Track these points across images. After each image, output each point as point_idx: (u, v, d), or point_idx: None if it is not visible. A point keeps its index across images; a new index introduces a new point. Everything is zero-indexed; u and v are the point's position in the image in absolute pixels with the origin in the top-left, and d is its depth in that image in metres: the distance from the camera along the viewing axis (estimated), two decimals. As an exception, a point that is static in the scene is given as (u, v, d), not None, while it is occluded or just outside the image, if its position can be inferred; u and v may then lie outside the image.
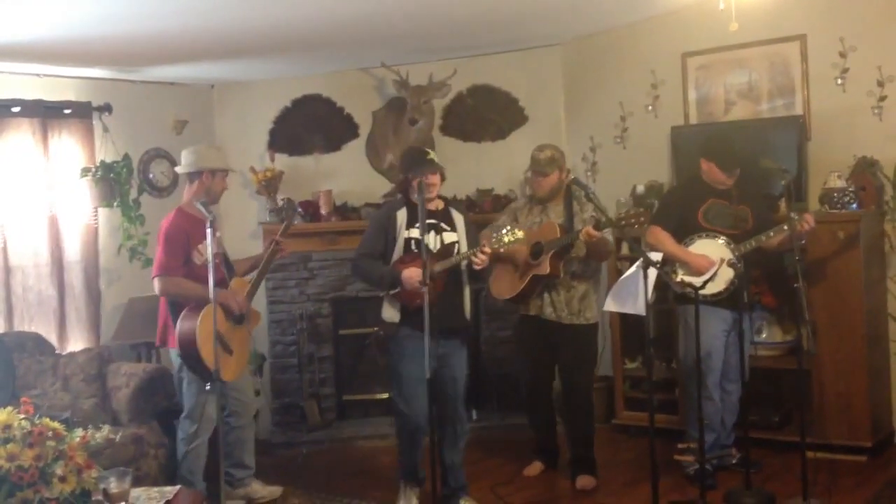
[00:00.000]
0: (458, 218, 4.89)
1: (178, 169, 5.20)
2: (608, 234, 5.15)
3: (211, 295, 4.24)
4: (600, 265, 5.41)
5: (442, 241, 4.79)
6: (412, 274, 4.54)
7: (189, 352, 4.73)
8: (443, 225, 4.82)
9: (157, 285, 4.89)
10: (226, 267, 5.12)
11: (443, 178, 4.84)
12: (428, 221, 4.68)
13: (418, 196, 4.47)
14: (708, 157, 5.14)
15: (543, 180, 5.23)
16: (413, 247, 4.71)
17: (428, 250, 4.60)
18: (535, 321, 5.28)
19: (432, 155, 4.82)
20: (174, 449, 5.20)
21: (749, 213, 5.15)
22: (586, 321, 5.25)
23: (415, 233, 4.69)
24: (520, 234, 4.57)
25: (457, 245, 4.79)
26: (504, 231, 4.56)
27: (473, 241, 4.80)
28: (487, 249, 4.57)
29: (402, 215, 4.80)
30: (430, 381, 4.25)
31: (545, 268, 5.06)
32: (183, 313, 4.79)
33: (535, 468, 5.58)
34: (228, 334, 4.89)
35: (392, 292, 4.71)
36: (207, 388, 4.36)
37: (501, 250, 4.67)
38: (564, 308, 5.20)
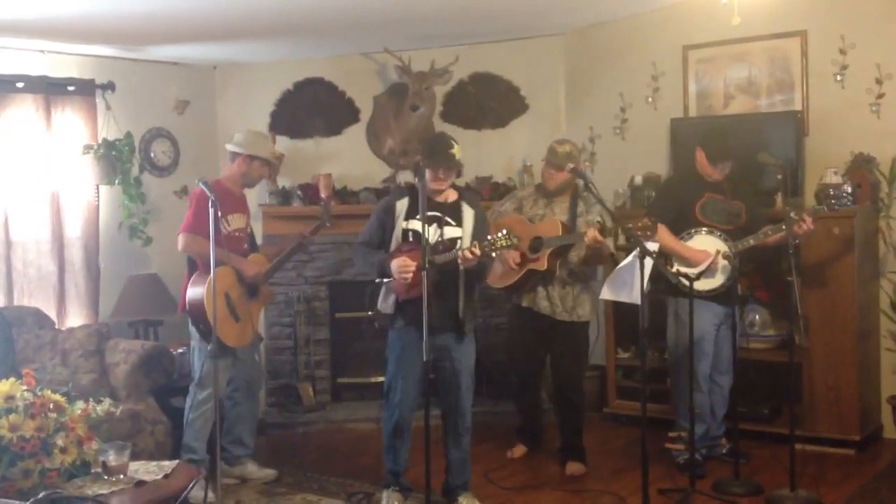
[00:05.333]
0: (469, 213, 4.66)
1: (227, 146, 5.36)
2: (607, 240, 5.15)
3: (212, 265, 4.39)
4: (596, 268, 5.42)
5: (442, 236, 4.57)
6: (399, 263, 4.46)
7: (196, 309, 4.91)
8: (447, 219, 4.59)
9: (180, 241, 5.03)
10: (250, 243, 5.32)
11: (458, 175, 4.70)
12: (431, 213, 4.53)
13: (419, 182, 4.40)
14: (702, 146, 5.18)
15: (557, 174, 5.20)
16: (410, 238, 4.60)
17: (426, 243, 4.46)
18: (529, 312, 5.31)
19: (456, 150, 4.56)
20: (171, 426, 5.28)
21: (742, 208, 5.19)
22: (579, 318, 5.28)
23: (413, 224, 4.57)
24: (515, 240, 4.36)
25: (458, 241, 4.57)
26: (500, 234, 4.34)
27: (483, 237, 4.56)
28: (477, 251, 4.34)
29: (402, 205, 4.66)
30: (428, 374, 4.30)
31: (542, 263, 5.10)
32: (195, 275, 5.01)
33: (519, 451, 5.67)
34: (238, 301, 5.03)
35: (385, 281, 4.63)
36: (208, 347, 4.43)
37: (493, 254, 4.44)
38: (559, 304, 5.23)
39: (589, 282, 5.32)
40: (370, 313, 4.76)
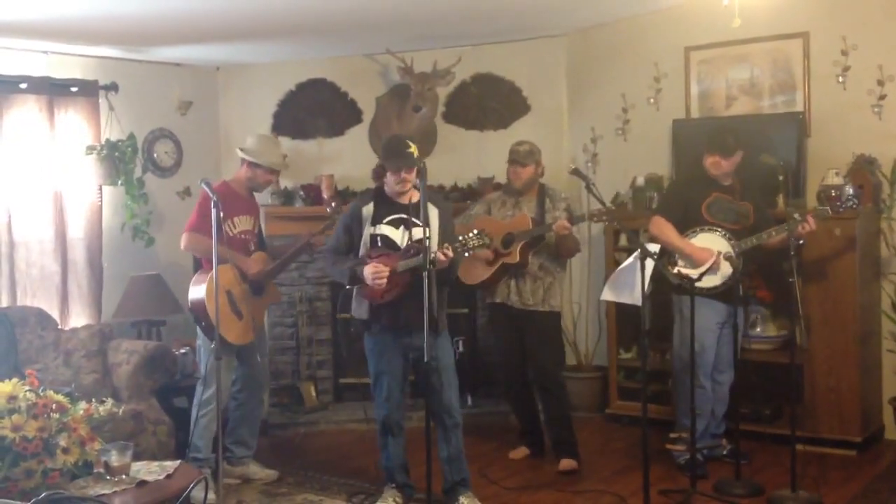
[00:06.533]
0: (433, 212, 4.60)
1: (237, 149, 5.35)
2: (576, 233, 5.34)
3: (214, 265, 4.40)
4: (566, 261, 5.56)
5: (410, 238, 4.59)
6: (372, 270, 4.49)
7: (197, 306, 4.95)
8: (414, 220, 4.56)
9: (183, 240, 5.07)
10: (258, 243, 5.32)
11: (418, 174, 4.58)
12: (398, 216, 4.62)
13: (387, 187, 4.51)
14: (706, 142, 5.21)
15: (522, 170, 5.36)
16: (379, 243, 4.62)
17: (394, 247, 4.59)
18: (502, 308, 5.43)
19: (413, 148, 4.53)
20: (173, 426, 5.29)
21: (750, 209, 5.19)
22: (551, 308, 5.42)
23: (382, 229, 4.62)
24: (487, 239, 4.45)
25: (426, 242, 4.41)
26: (472, 234, 4.41)
27: (451, 236, 4.60)
28: (449, 253, 4.39)
29: (368, 210, 4.67)
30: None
31: (514, 256, 5.23)
32: (197, 273, 5.06)
33: (520, 452, 5.71)
34: (241, 298, 5.07)
35: (357, 287, 4.65)
36: (211, 346, 4.44)
37: (466, 255, 4.49)
38: (530, 297, 5.35)
39: (559, 273, 5.48)
40: (346, 315, 4.80)
